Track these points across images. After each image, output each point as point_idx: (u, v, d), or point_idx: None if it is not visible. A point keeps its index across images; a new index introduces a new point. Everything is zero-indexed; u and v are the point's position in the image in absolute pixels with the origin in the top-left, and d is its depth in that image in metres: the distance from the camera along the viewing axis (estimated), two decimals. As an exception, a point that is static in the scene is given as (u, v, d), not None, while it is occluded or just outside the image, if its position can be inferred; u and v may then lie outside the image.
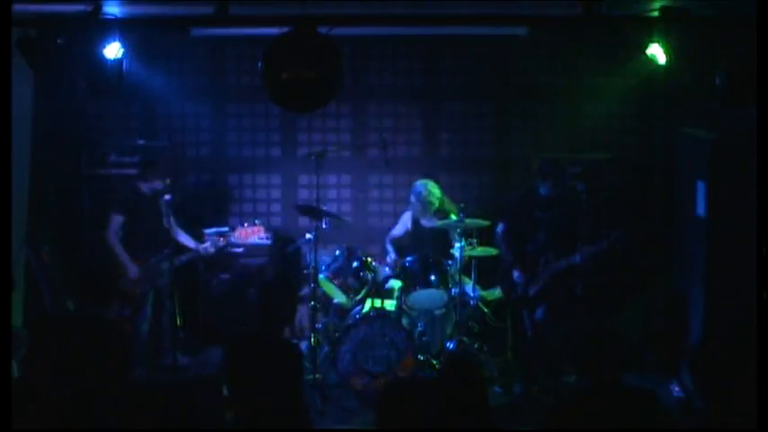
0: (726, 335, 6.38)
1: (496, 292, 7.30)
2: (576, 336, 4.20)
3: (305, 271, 7.56)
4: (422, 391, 3.87)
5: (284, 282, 7.65)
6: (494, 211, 7.53)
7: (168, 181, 7.11)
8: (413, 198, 7.47)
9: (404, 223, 7.71)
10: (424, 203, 7.40)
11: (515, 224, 6.99)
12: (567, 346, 6.88)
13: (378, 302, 7.03)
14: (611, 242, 6.62)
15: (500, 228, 7.07)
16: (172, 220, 7.12)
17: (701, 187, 6.76)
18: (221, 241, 7.35)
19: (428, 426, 3.79)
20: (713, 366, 6.37)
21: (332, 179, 8.56)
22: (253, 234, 7.32)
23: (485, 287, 7.44)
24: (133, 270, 7.03)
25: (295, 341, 6.71)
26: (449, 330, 7.24)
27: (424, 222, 7.52)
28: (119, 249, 7.04)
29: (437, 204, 7.41)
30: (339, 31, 5.89)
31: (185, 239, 7.35)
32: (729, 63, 5.72)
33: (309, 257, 7.25)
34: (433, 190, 7.40)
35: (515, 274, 6.86)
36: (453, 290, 7.05)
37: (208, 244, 7.35)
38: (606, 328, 4.16)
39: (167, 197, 6.98)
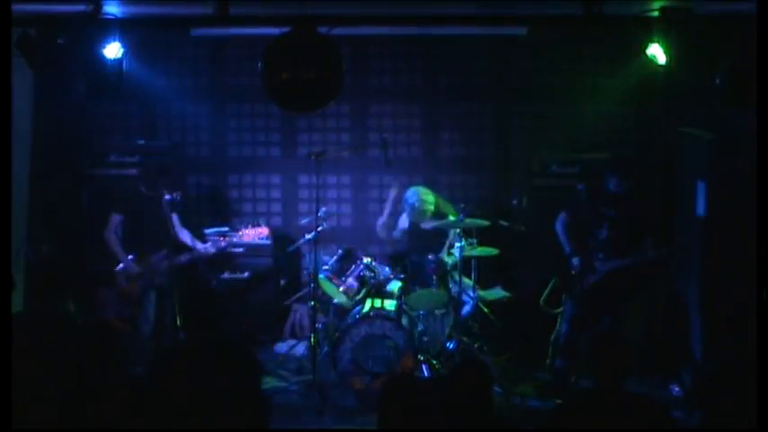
0: (725, 335, 6.38)
1: (497, 293, 7.28)
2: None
3: (305, 271, 7.56)
4: (424, 391, 3.86)
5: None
6: (494, 211, 7.52)
7: (173, 187, 7.12)
8: (407, 207, 7.46)
9: (402, 224, 7.71)
10: (419, 211, 7.38)
11: (578, 217, 6.88)
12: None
13: (378, 302, 7.03)
14: (674, 250, 6.67)
15: (561, 217, 6.91)
16: (175, 218, 7.12)
17: (701, 187, 6.75)
18: (222, 241, 7.34)
19: (430, 426, 3.79)
20: (713, 367, 6.38)
21: (332, 179, 8.56)
22: (256, 234, 7.32)
23: (485, 287, 7.43)
24: (131, 266, 7.02)
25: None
26: (449, 330, 7.24)
27: (422, 224, 7.51)
28: (116, 247, 7.02)
29: (432, 209, 7.39)
30: (339, 31, 5.89)
31: (187, 239, 7.35)
32: (729, 63, 5.72)
33: (309, 257, 7.25)
34: (426, 197, 7.37)
35: (575, 261, 6.76)
36: (453, 290, 7.05)
37: (209, 244, 7.34)
38: (610, 332, 4.16)
39: (168, 197, 6.98)
